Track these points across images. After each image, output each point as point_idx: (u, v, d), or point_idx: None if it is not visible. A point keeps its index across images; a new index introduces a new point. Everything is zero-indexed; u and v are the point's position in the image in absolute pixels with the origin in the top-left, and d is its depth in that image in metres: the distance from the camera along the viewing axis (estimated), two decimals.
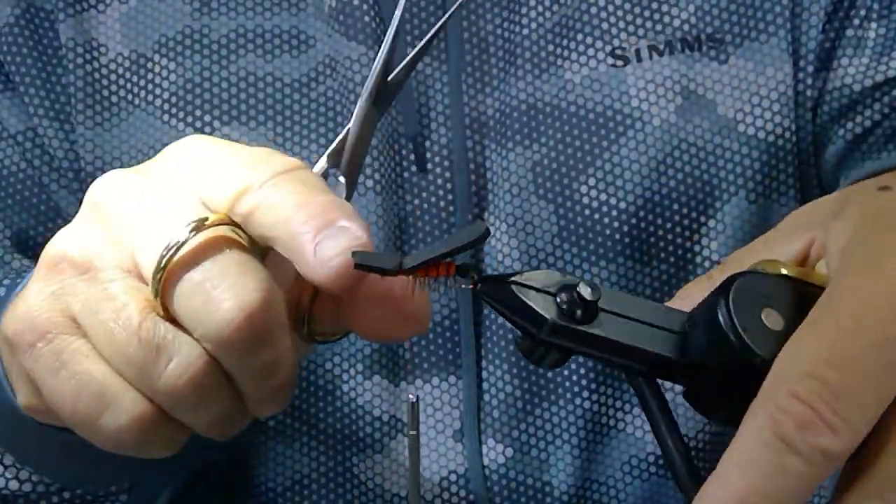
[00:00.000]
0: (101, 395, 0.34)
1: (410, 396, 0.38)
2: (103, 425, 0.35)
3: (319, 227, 0.33)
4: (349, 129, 0.38)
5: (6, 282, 0.54)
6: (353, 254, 0.32)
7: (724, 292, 0.33)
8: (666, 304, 0.38)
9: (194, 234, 0.34)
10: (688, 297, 0.38)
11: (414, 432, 0.39)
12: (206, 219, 0.34)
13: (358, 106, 0.38)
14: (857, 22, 0.56)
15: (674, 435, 0.33)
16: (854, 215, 0.36)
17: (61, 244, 0.37)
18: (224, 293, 0.33)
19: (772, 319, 0.32)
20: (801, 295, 0.33)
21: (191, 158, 0.37)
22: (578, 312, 0.33)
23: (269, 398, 0.36)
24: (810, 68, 0.56)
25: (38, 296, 0.36)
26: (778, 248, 0.38)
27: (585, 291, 0.33)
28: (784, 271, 0.35)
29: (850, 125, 0.56)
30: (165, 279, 0.33)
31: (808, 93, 0.57)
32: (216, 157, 0.36)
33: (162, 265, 0.33)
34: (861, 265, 0.32)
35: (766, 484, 0.28)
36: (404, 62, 0.39)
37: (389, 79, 0.39)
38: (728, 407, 0.33)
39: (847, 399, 0.28)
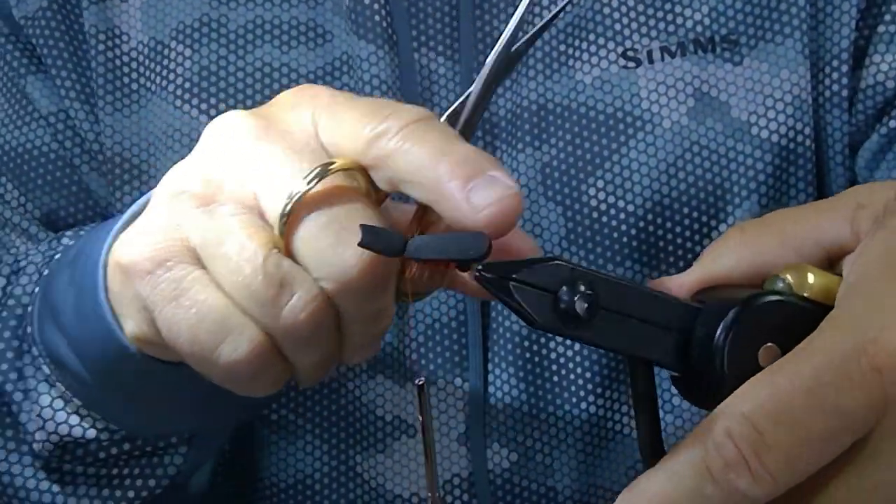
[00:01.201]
0: (223, 325, 0.35)
1: (418, 381, 0.38)
2: (221, 355, 0.35)
3: (469, 175, 0.33)
4: (470, 92, 0.39)
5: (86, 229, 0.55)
6: (361, 226, 0.33)
7: (734, 321, 0.34)
8: (694, 266, 0.39)
9: (320, 179, 0.34)
10: (714, 261, 0.38)
11: (420, 417, 0.39)
12: (333, 163, 0.35)
13: (482, 72, 0.39)
14: (888, 18, 0.56)
15: (653, 424, 0.35)
16: (880, 245, 0.35)
17: (182, 176, 0.37)
18: (353, 237, 0.33)
19: (768, 355, 0.33)
20: (810, 323, 0.33)
21: (312, 104, 0.37)
22: (574, 313, 0.33)
23: (367, 345, 0.37)
24: (844, 67, 0.56)
25: (157, 225, 0.36)
26: (824, 226, 0.37)
27: (580, 306, 0.33)
28: (811, 279, 0.35)
29: (885, 119, 0.56)
30: (292, 218, 0.34)
31: (844, 93, 0.56)
32: (342, 102, 0.37)
33: (289, 207, 0.34)
34: (844, 325, 0.32)
35: (683, 500, 0.31)
36: (528, 35, 0.40)
37: (513, 49, 0.39)
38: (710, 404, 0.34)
39: (777, 453, 0.30)
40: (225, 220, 0.35)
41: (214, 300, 0.35)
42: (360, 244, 0.33)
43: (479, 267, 0.33)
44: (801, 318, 0.33)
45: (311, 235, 0.34)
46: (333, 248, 0.34)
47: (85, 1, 0.57)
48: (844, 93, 0.56)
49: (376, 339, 0.38)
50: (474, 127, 0.39)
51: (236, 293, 0.35)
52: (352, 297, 0.35)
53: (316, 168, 0.34)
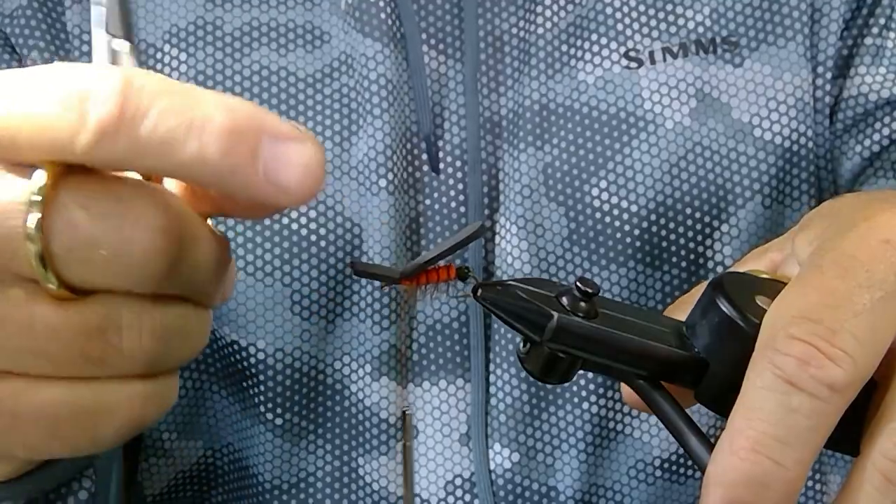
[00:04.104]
0: (82, 412, 0.29)
1: (408, 410, 0.36)
2: (101, 435, 0.29)
3: (250, 153, 0.27)
4: None
5: None
6: (352, 264, 0.31)
7: (716, 288, 0.33)
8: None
9: (40, 196, 0.26)
10: (682, 309, 0.38)
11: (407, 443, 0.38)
12: (41, 172, 0.27)
13: None
14: (875, 31, 0.56)
15: (693, 429, 0.32)
16: (816, 217, 0.36)
17: None
18: (124, 229, 0.27)
19: (765, 303, 0.32)
20: (784, 286, 0.32)
21: None
22: (581, 310, 0.33)
23: (221, 288, 0.32)
24: (828, 75, 0.56)
25: None
26: (773, 247, 0.38)
27: (584, 286, 0.32)
28: (763, 276, 0.35)
29: (866, 142, 0.56)
30: (49, 258, 0.27)
31: (826, 99, 0.56)
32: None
33: (33, 251, 0.26)
34: (837, 234, 0.32)
35: (777, 427, 0.28)
36: None
37: None
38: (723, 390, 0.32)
39: (843, 333, 0.29)
40: None
41: (52, 396, 0.28)
42: (355, 274, 0.31)
43: (477, 283, 0.33)
44: (769, 282, 0.33)
45: (82, 261, 0.27)
46: (113, 256, 0.27)
47: (66, 0, 0.56)
48: (827, 99, 0.56)
49: (229, 278, 0.31)
50: (130, 19, 0.31)
51: (66, 374, 0.28)
52: (176, 277, 0.28)
53: (28, 191, 0.26)
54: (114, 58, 0.32)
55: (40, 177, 0.27)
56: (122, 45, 0.32)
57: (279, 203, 0.28)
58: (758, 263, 0.39)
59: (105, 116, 0.26)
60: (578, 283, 0.33)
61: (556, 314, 0.32)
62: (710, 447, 0.31)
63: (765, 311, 0.31)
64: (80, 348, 0.28)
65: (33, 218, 0.26)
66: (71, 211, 0.27)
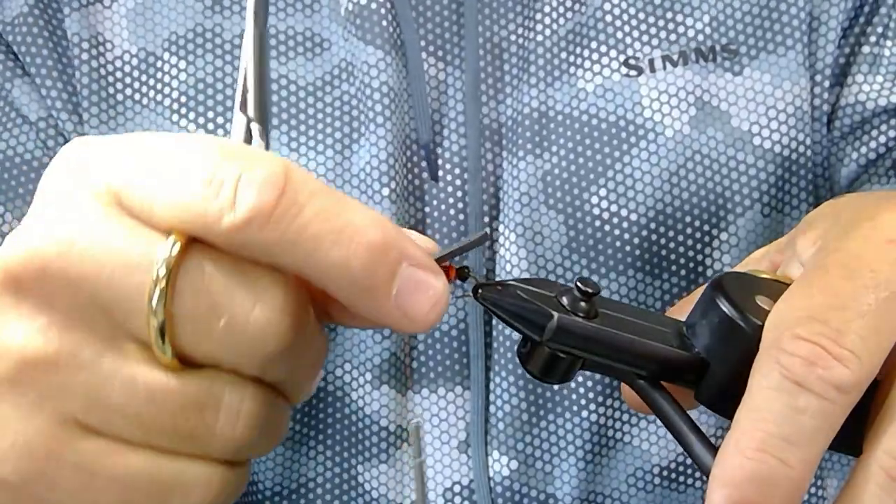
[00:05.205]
0: (160, 485, 0.29)
1: (415, 420, 0.36)
2: None
3: (391, 272, 0.28)
4: (245, 70, 0.32)
5: None
6: None
7: (716, 288, 0.33)
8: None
9: (169, 267, 0.27)
10: (683, 310, 0.37)
11: (419, 458, 0.37)
12: (173, 237, 0.27)
13: (248, 46, 0.33)
14: (873, 39, 0.56)
15: (693, 429, 0.32)
16: (817, 217, 0.37)
17: (7, 349, 0.28)
18: (247, 302, 0.27)
19: (765, 303, 0.32)
20: (784, 287, 0.33)
21: (99, 177, 0.28)
22: (581, 310, 0.33)
23: (310, 386, 0.33)
24: (826, 83, 0.56)
25: (14, 417, 0.28)
26: (774, 248, 0.39)
27: (584, 286, 0.32)
28: (764, 276, 0.35)
29: (863, 149, 0.56)
30: (169, 322, 0.27)
31: (824, 107, 0.56)
32: (141, 163, 0.28)
33: (157, 317, 0.27)
34: (840, 234, 0.32)
35: (783, 427, 0.28)
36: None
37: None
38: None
39: (850, 333, 0.29)
40: (90, 371, 0.28)
41: (135, 463, 0.28)
42: None
43: (478, 284, 0.33)
44: (770, 282, 0.34)
45: (200, 330, 0.27)
46: (232, 328, 0.27)
47: (66, 8, 0.56)
48: (825, 107, 0.56)
49: (319, 374, 0.32)
50: (268, 103, 0.33)
51: (153, 442, 0.29)
52: (283, 365, 0.29)
53: (161, 253, 0.27)
54: (248, 138, 0.33)
55: (172, 241, 0.27)
56: (255, 128, 0.33)
57: (397, 326, 0.29)
58: (758, 264, 0.39)
59: (259, 204, 0.26)
60: (579, 283, 0.33)
61: (556, 314, 0.32)
62: (711, 446, 0.31)
63: (765, 311, 0.31)
64: (174, 421, 0.28)
65: (160, 282, 0.27)
66: (198, 276, 0.27)
